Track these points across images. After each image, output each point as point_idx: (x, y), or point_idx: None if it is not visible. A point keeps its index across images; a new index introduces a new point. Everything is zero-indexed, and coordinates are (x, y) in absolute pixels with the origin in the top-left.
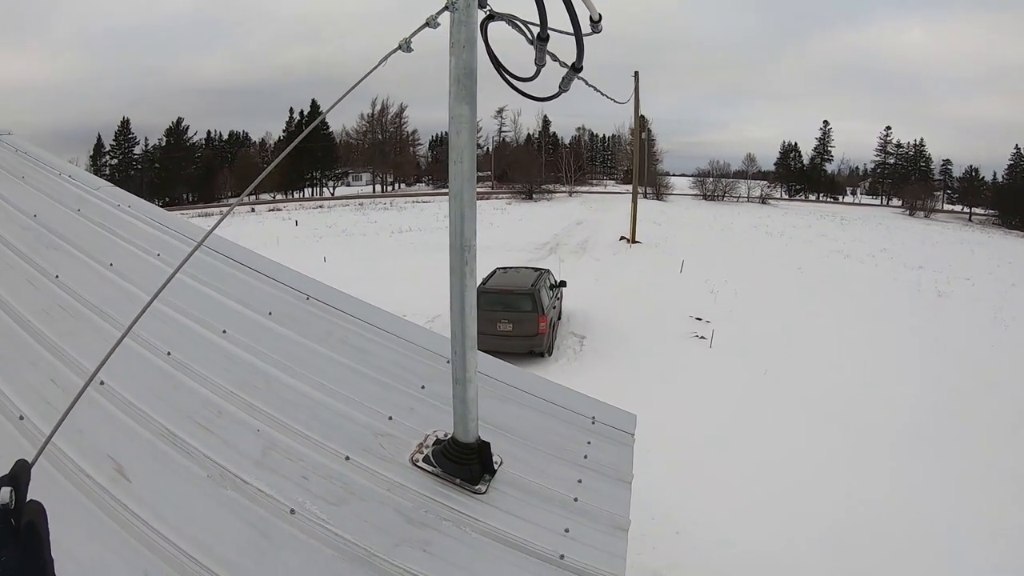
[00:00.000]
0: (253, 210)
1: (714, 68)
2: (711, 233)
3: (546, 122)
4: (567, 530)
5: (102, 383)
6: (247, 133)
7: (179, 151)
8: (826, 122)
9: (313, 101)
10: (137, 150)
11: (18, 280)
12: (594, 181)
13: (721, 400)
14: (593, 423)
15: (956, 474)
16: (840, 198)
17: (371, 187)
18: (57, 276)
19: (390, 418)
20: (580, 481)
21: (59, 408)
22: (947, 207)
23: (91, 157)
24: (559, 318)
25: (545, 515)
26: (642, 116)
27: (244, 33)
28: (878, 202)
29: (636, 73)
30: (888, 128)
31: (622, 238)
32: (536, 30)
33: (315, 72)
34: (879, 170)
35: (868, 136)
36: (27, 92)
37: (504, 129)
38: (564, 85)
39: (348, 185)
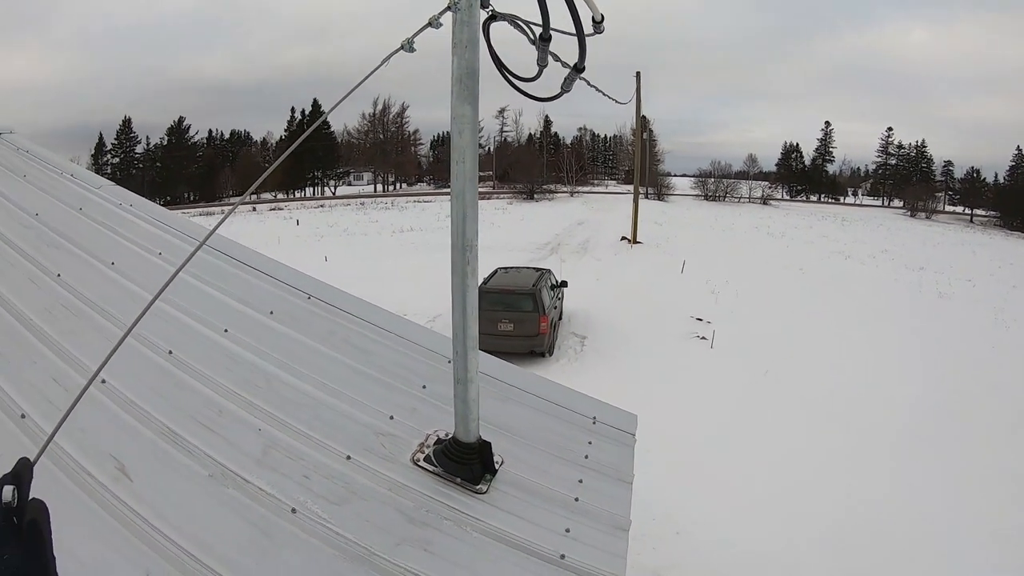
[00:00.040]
0: (254, 209)
1: (716, 68)
2: (712, 234)
3: (548, 122)
4: (568, 530)
5: (104, 382)
6: (248, 132)
7: (181, 150)
8: (828, 123)
9: (315, 100)
10: (139, 149)
11: (20, 278)
12: (595, 181)
13: (722, 400)
14: (594, 423)
15: (956, 474)
16: (841, 199)
17: (372, 187)
18: (59, 275)
19: (391, 418)
20: (581, 481)
21: (61, 407)
22: (948, 208)
23: (92, 156)
24: (560, 318)
25: (546, 515)
26: (644, 116)
27: (244, 33)
28: (879, 203)
29: (638, 73)
30: (890, 129)
31: (623, 238)
32: (538, 30)
33: (316, 72)
34: (880, 171)
35: (870, 137)
36: (28, 91)
37: (506, 129)
38: (566, 85)
39: (349, 184)
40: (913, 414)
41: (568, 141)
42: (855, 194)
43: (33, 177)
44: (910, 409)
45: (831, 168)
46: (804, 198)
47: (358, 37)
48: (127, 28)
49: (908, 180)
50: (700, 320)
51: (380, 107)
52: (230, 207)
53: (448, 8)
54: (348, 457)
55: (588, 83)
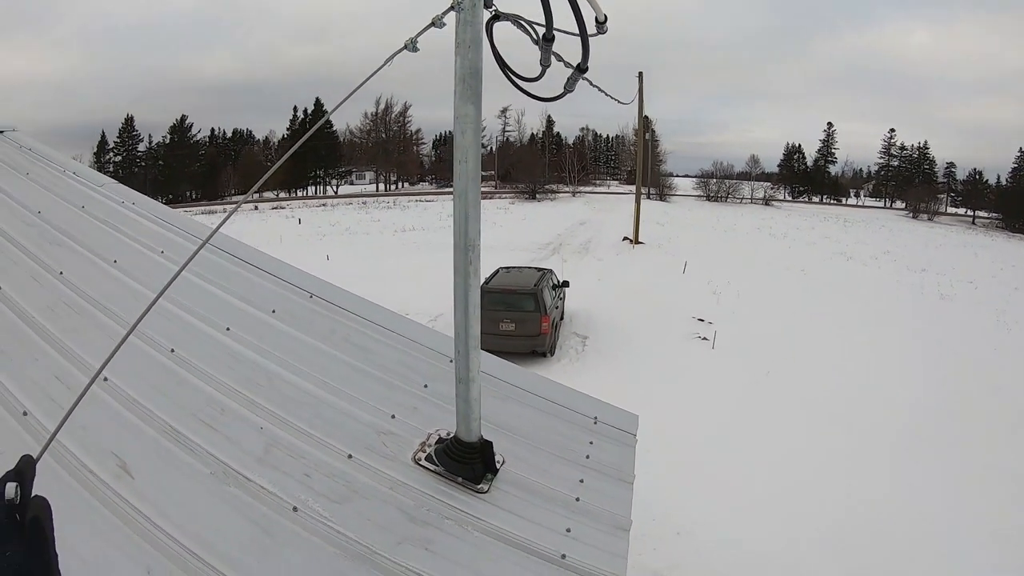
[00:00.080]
0: (256, 208)
1: (716, 68)
2: (714, 234)
3: (550, 122)
4: (569, 530)
5: (106, 380)
6: (251, 131)
7: (183, 148)
8: (830, 124)
9: (317, 99)
10: (141, 147)
11: (22, 276)
12: (597, 181)
13: (723, 401)
14: (595, 423)
15: (957, 475)
16: (843, 200)
17: (374, 186)
18: (61, 272)
19: (393, 416)
20: (582, 481)
21: (63, 404)
22: (951, 210)
23: (95, 154)
24: (562, 318)
25: (547, 515)
26: (646, 116)
27: (244, 32)
28: (881, 204)
29: (640, 74)
30: (892, 130)
31: (625, 239)
32: (541, 30)
33: (317, 71)
34: (883, 172)
35: (872, 138)
36: (30, 89)
37: (508, 129)
38: (569, 85)
39: (351, 184)
40: (914, 415)
41: (570, 141)
42: (857, 195)
43: (35, 175)
44: (911, 410)
45: (833, 169)
46: (806, 199)
47: (358, 37)
48: (128, 27)
49: (910, 181)
50: (701, 321)
51: (382, 106)
52: (233, 206)
53: (451, 8)
54: (349, 456)
55: (591, 83)
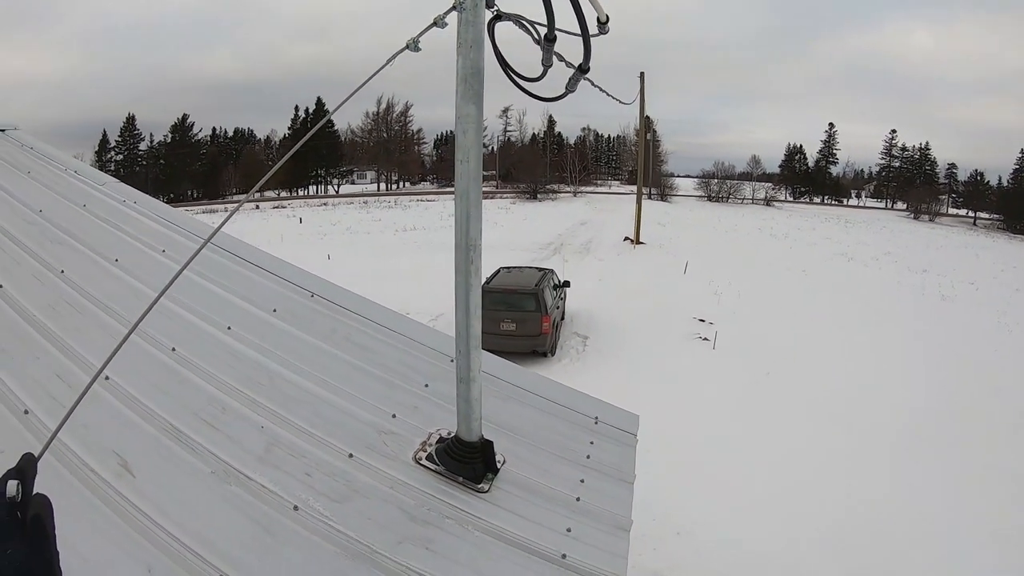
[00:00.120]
0: (257, 207)
1: (718, 69)
2: (715, 235)
3: (551, 122)
4: (569, 529)
5: (107, 378)
6: (252, 130)
7: (184, 147)
8: (831, 124)
9: (318, 99)
10: (142, 146)
11: (24, 275)
12: (599, 181)
13: (723, 401)
14: (596, 423)
15: (957, 475)
16: (845, 201)
17: (375, 185)
18: (63, 271)
19: (393, 416)
20: (582, 481)
21: (64, 403)
22: (952, 211)
23: (96, 153)
24: (562, 318)
25: (547, 514)
26: (647, 117)
27: (245, 32)
28: (883, 205)
29: (642, 74)
30: (893, 131)
31: (626, 239)
32: (543, 30)
33: (318, 71)
34: (884, 173)
35: (873, 139)
36: (32, 88)
37: (509, 128)
38: (571, 86)
39: (353, 183)
40: (914, 415)
41: (572, 141)
42: (858, 196)
43: (37, 174)
44: (911, 410)
45: (835, 170)
46: (807, 200)
47: (359, 36)
48: (127, 27)
49: (912, 182)
50: (702, 321)
51: (384, 106)
52: (235, 205)
53: (453, 8)
54: (350, 455)
55: (592, 83)
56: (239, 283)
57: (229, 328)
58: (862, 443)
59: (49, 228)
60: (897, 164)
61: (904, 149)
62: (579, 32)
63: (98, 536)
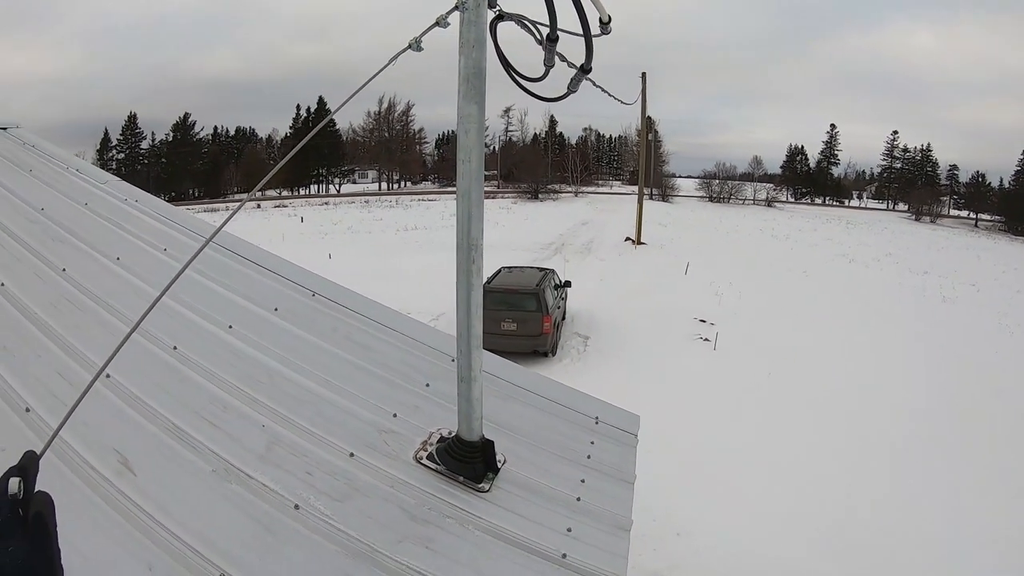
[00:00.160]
0: (259, 206)
1: (720, 69)
2: (716, 235)
3: (553, 122)
4: (569, 529)
5: (108, 376)
6: (253, 129)
7: (186, 146)
8: (833, 125)
9: (320, 98)
10: (144, 145)
11: (25, 273)
12: (600, 182)
13: (724, 402)
14: (596, 423)
15: (958, 476)
16: (846, 202)
17: (377, 184)
18: (64, 269)
19: (394, 415)
20: (583, 481)
21: (65, 401)
22: (953, 212)
23: (98, 151)
24: (563, 318)
25: (548, 514)
26: (649, 117)
27: (245, 32)
28: (884, 206)
29: (643, 74)
30: (895, 132)
31: (627, 239)
32: (545, 31)
33: (319, 70)
34: (885, 174)
35: (875, 140)
36: (34, 86)
37: (511, 128)
38: (572, 86)
39: (354, 182)
40: (915, 417)
41: (573, 141)
42: (860, 197)
43: (39, 172)
44: (912, 411)
45: (836, 171)
46: (809, 200)
47: (359, 36)
48: (128, 26)
49: (913, 184)
50: (703, 322)
51: (385, 105)
52: (237, 204)
53: (455, 7)
54: (351, 454)
55: (594, 84)
56: (240, 282)
57: (230, 327)
58: (863, 444)
59: (50, 226)
60: (899, 165)
61: (905, 150)
62: (581, 32)
63: (99, 534)
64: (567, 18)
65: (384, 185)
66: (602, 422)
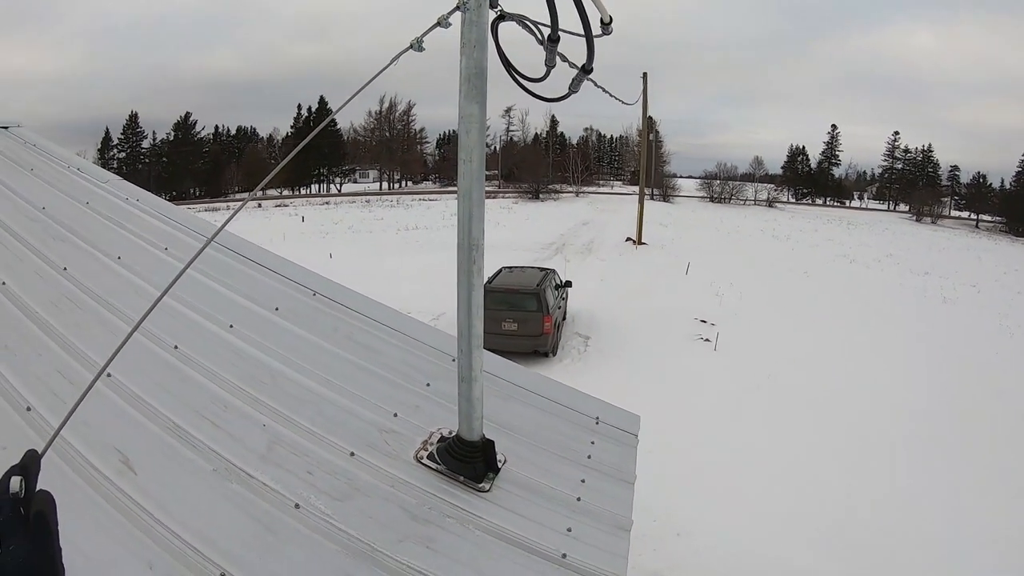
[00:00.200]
0: (260, 205)
1: (721, 70)
2: (717, 236)
3: (554, 122)
4: (569, 529)
5: (109, 376)
6: (254, 128)
7: (187, 145)
8: (834, 126)
9: (321, 97)
10: (145, 144)
11: (26, 272)
12: (601, 182)
13: (724, 402)
14: (597, 423)
15: (958, 477)
16: (847, 203)
17: (378, 184)
18: (65, 268)
19: (395, 415)
20: (583, 481)
21: (66, 399)
22: (954, 213)
23: (99, 150)
24: (564, 318)
25: (548, 514)
26: (650, 117)
27: (245, 31)
28: (885, 207)
29: (645, 75)
30: (896, 133)
31: (628, 239)
32: (547, 31)
33: (320, 70)
34: (887, 175)
35: (876, 141)
36: (35, 85)
37: (512, 128)
38: (574, 86)
39: (355, 182)
40: (915, 417)
41: (574, 141)
42: (861, 198)
43: (40, 171)
44: (912, 412)
45: (837, 171)
46: (810, 201)
47: (359, 37)
48: (128, 26)
49: (914, 184)
50: (704, 322)
51: (386, 105)
52: (238, 203)
53: (457, 8)
54: (352, 453)
55: (595, 84)
56: (241, 281)
57: (231, 326)
58: (863, 444)
59: (52, 225)
60: (900, 166)
61: (907, 151)
62: (582, 33)
63: (100, 533)
64: (568, 18)
65: (385, 185)
66: (602, 422)
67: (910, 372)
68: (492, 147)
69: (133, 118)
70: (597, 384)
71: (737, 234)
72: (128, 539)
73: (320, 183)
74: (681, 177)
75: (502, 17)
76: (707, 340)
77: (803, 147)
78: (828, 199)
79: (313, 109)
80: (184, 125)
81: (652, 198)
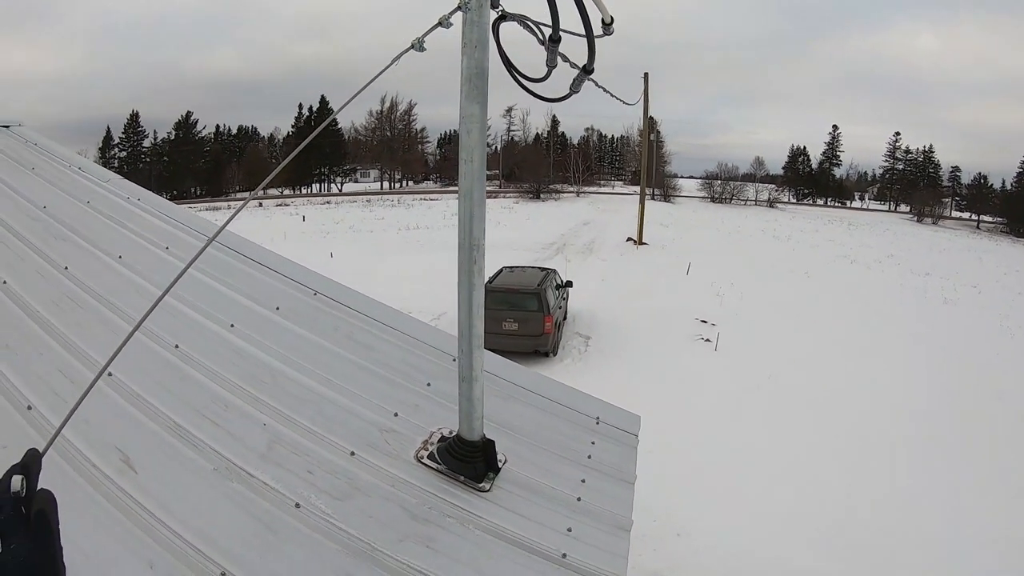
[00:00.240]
0: (261, 205)
1: (722, 70)
2: (718, 236)
3: (555, 122)
4: (570, 529)
5: (110, 375)
6: (255, 128)
7: (188, 145)
8: (835, 126)
9: (322, 97)
10: (146, 143)
11: (28, 271)
12: (602, 182)
13: (725, 402)
14: (597, 423)
15: (959, 478)
16: (848, 203)
17: (379, 184)
18: (66, 267)
19: (395, 414)
20: (583, 481)
21: (67, 398)
22: (955, 214)
23: (100, 149)
24: (565, 318)
25: (548, 514)
26: (651, 117)
27: (246, 31)
28: (886, 208)
29: (646, 75)
30: (897, 134)
31: (629, 239)
32: (548, 31)
33: (321, 69)
34: (888, 176)
35: (877, 141)
36: (36, 84)
37: (513, 128)
38: (575, 86)
39: (356, 181)
40: (916, 418)
41: (575, 141)
42: (862, 198)
43: (41, 170)
44: (913, 413)
45: (838, 172)
46: (811, 201)
47: (360, 37)
48: (128, 25)
49: (915, 185)
50: (704, 322)
51: (387, 104)
52: (239, 203)
53: (458, 8)
54: (352, 453)
55: (596, 84)
56: (242, 281)
57: (232, 326)
58: (863, 444)
59: (53, 224)
60: (901, 167)
61: (908, 151)
62: (583, 33)
63: (100, 532)
64: (569, 19)
65: (386, 184)
66: (603, 422)
67: (910, 372)
68: (493, 147)
69: (134, 117)
70: (597, 384)
71: (738, 234)
72: (128, 538)
73: (321, 183)
74: (682, 177)
75: (503, 17)
76: (708, 340)
77: (804, 147)
78: (829, 200)
79: (314, 109)
80: (185, 124)
81: (653, 198)
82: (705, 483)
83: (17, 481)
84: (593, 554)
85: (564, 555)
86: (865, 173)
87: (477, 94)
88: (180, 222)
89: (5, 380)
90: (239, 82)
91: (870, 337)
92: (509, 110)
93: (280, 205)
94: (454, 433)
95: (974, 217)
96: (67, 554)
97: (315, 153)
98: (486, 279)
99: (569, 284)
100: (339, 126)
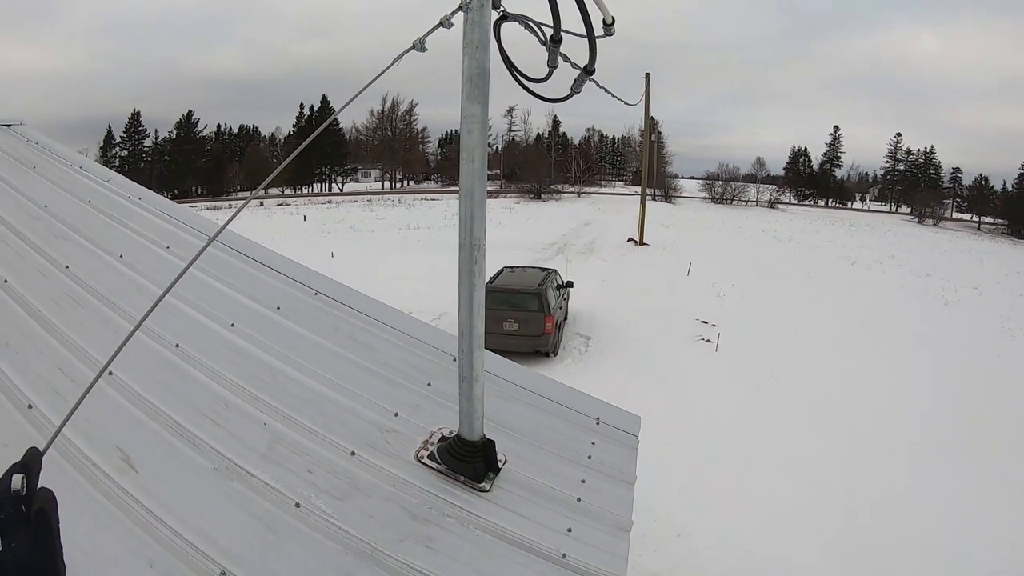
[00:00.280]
0: (262, 204)
1: (722, 71)
2: (719, 236)
3: (556, 122)
4: (570, 529)
5: (110, 374)
6: (256, 127)
7: (189, 144)
8: (836, 127)
9: (323, 96)
10: (147, 142)
11: (28, 270)
12: (603, 182)
13: (725, 403)
14: (597, 423)
15: (960, 479)
16: (849, 204)
17: (380, 183)
18: (67, 266)
19: (396, 414)
20: (583, 481)
21: (67, 397)
22: (956, 215)
23: (101, 148)
24: (565, 318)
25: (548, 514)
26: (652, 118)
27: (247, 31)
28: (887, 209)
29: (647, 75)
30: (898, 135)
31: (630, 240)
32: (549, 32)
33: (322, 69)
34: (889, 177)
35: (878, 142)
36: (37, 83)
37: (514, 128)
38: (576, 87)
39: (357, 181)
40: (916, 419)
41: (576, 141)
42: (863, 199)
43: (42, 169)
44: (913, 414)
45: (839, 173)
46: (812, 202)
47: (361, 36)
48: (129, 24)
49: (916, 186)
50: (705, 323)
51: (389, 104)
52: (240, 202)
53: (459, 8)
54: (352, 453)
55: (598, 84)
56: (243, 280)
57: (232, 325)
58: (864, 445)
59: (54, 223)
60: (902, 168)
61: (909, 153)
62: (585, 33)
63: (100, 531)
64: (571, 19)
65: (387, 184)
66: (603, 422)
67: (911, 374)
68: (494, 147)
69: (135, 116)
70: (598, 384)
71: (739, 235)
72: (129, 537)
73: (322, 182)
74: (683, 178)
75: (504, 18)
76: (708, 341)
77: (805, 148)
78: (830, 200)
79: (315, 108)
80: (186, 123)
81: (654, 199)
82: (705, 483)
83: (17, 480)
84: (593, 554)
85: (564, 555)
86: (866, 174)
87: (478, 94)
88: (181, 221)
89: (6, 379)
90: (240, 81)
91: (871, 338)
92: (510, 110)
93: (281, 205)
94: (454, 433)
95: (975, 218)
96: (67, 553)
97: (316, 153)
98: (487, 279)
99: (570, 284)
100: (340, 126)
